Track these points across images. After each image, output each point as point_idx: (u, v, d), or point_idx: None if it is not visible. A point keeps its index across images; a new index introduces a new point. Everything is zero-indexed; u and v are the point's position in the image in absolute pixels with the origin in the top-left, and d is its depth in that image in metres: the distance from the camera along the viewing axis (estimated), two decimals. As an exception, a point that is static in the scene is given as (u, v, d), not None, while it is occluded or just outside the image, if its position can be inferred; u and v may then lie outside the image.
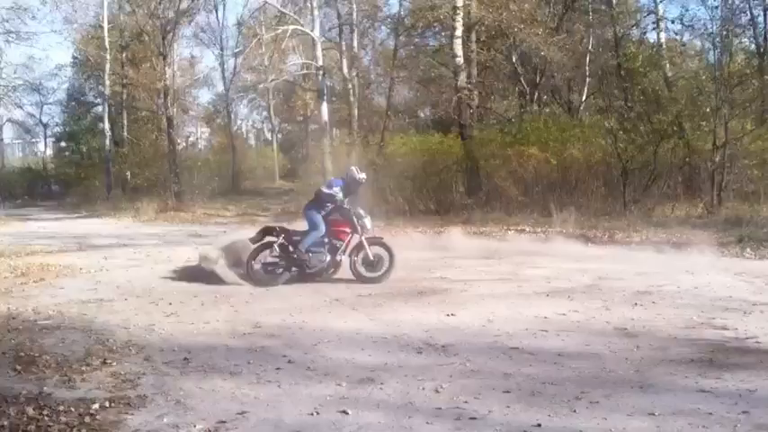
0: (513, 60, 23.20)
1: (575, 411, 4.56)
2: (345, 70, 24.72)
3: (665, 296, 8.16)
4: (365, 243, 9.69)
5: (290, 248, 9.70)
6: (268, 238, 9.81)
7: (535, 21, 21.27)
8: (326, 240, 9.73)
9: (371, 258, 9.64)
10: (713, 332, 6.52)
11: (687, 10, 26.39)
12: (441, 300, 8.29)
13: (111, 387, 5.20)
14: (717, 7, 17.64)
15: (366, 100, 28.99)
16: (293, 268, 9.67)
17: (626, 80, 19.07)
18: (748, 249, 11.69)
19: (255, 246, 9.75)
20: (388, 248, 9.76)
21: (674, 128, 16.85)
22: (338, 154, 22.99)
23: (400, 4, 25.57)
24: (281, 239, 9.73)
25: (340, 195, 9.76)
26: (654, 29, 21.80)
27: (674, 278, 9.24)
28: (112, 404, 4.80)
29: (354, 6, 25.10)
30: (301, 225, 10.16)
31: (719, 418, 4.39)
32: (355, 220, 9.73)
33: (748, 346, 6.02)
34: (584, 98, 23.46)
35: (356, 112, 25.14)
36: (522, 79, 23.34)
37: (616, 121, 17.62)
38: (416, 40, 26.90)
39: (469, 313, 7.48)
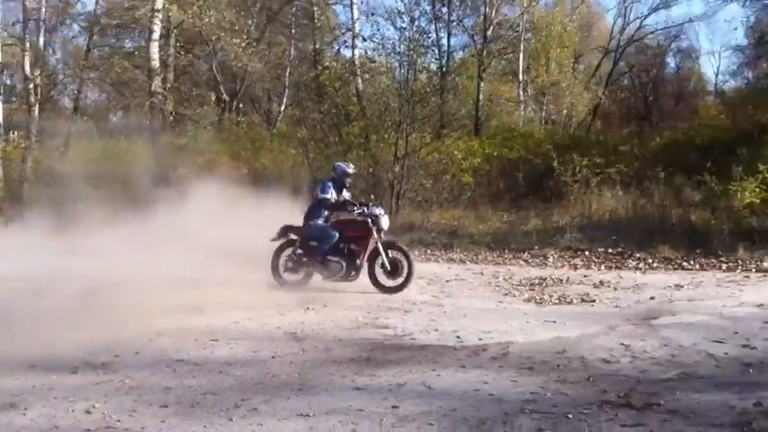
0: (213, 67, 22.92)
1: (231, 420, 4.54)
2: (28, 69, 22.36)
3: (337, 299, 8.52)
4: (380, 247, 9.10)
5: (304, 258, 9.23)
6: (291, 236, 9.43)
7: (236, 30, 21.18)
8: (342, 246, 9.10)
9: (388, 266, 9.09)
10: (375, 331, 6.94)
11: (378, 29, 28.23)
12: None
13: None
14: (405, 28, 18.93)
15: (51, 102, 26.54)
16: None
17: (320, 93, 19.76)
18: (416, 252, 12.63)
19: (279, 244, 9.40)
20: (405, 254, 9.21)
21: (362, 140, 17.81)
22: (12, 158, 20.89)
23: (96, 2, 23.75)
24: (297, 248, 9.35)
25: (334, 196, 9.25)
26: (347, 46, 22.92)
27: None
28: None
29: (43, 1, 22.80)
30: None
31: (369, 413, 4.61)
32: (369, 221, 9.15)
33: (404, 343, 6.49)
34: (282, 108, 23.91)
35: (37, 114, 22.85)
36: (221, 87, 23.14)
37: (308, 132, 18.18)
38: (112, 40, 25.32)
39: (135, 328, 6.87)
